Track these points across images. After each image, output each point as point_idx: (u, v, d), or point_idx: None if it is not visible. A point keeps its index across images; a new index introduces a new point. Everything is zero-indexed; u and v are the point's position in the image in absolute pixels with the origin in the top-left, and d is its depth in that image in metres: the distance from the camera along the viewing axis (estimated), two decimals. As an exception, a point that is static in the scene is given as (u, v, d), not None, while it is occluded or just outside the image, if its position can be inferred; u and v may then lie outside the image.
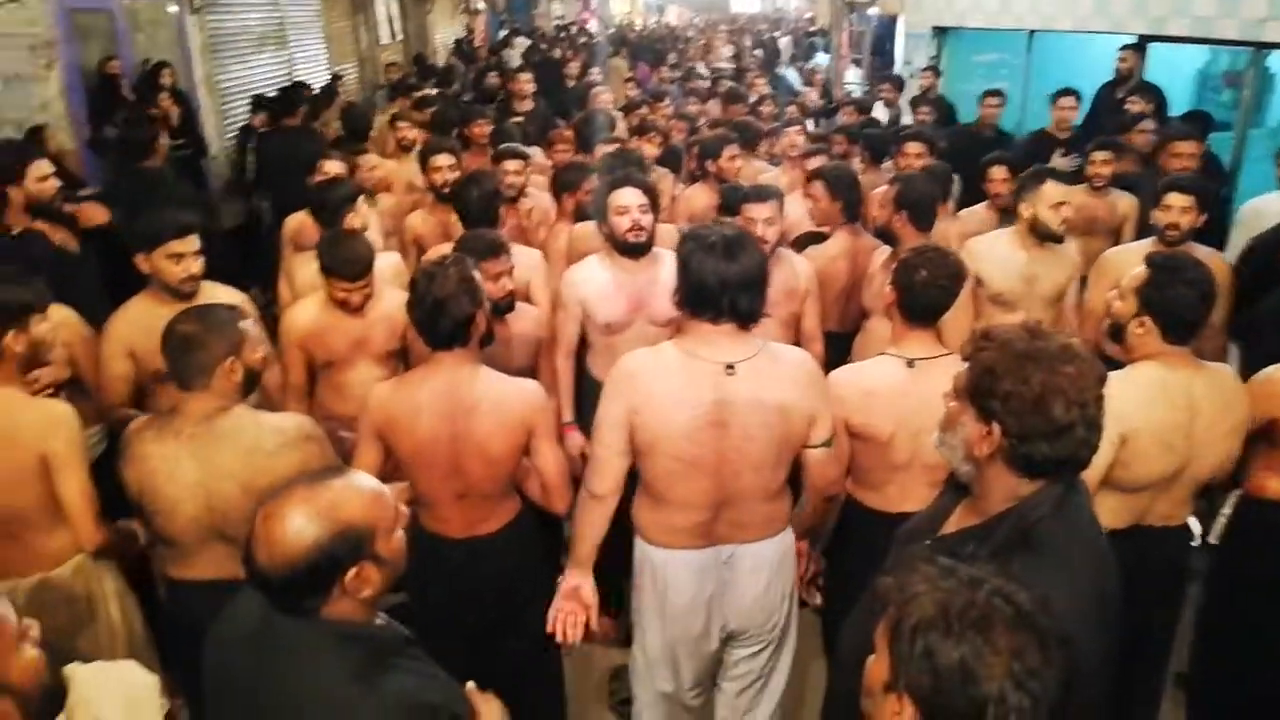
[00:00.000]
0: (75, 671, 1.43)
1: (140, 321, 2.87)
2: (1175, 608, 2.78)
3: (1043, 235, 3.63)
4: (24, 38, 6.54)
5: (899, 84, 8.49)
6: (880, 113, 7.83)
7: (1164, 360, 2.45)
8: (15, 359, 2.42)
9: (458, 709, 1.57)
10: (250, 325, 2.39)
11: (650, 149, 5.27)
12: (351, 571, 1.45)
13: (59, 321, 2.94)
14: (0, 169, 3.96)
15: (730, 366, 2.20)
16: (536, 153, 5.46)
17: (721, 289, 2.19)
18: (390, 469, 2.54)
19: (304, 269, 3.76)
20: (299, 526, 1.41)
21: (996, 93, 6.62)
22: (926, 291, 2.48)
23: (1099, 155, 4.60)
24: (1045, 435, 1.49)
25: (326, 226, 3.67)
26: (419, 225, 4.42)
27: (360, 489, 1.51)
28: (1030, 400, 1.48)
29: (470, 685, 1.69)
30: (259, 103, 7.80)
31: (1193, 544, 2.70)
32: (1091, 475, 2.38)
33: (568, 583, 2.43)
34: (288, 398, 3.26)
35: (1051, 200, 3.59)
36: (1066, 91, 6.03)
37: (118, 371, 2.97)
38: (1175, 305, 2.40)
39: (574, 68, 10.46)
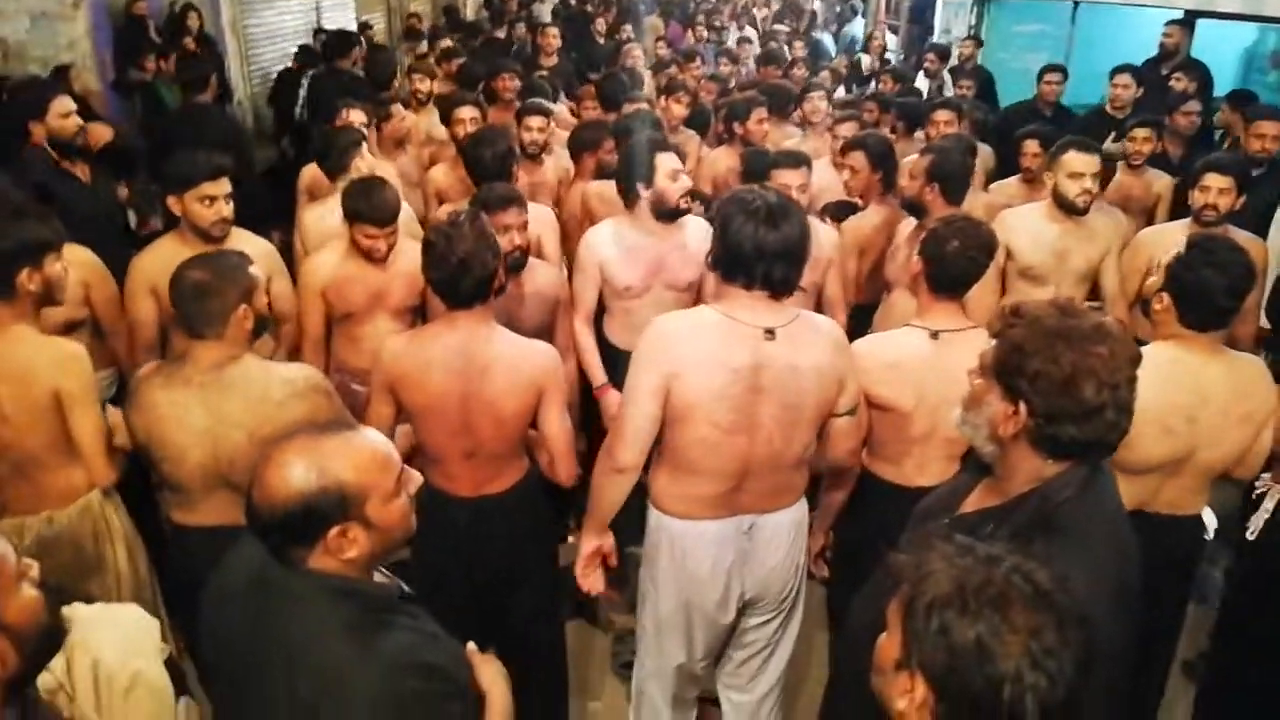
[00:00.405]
0: (76, 612, 1.42)
1: (166, 262, 2.80)
2: (1182, 596, 2.72)
3: (1064, 207, 3.55)
4: (52, -25, 6.50)
5: (944, 53, 8.12)
6: (921, 83, 7.58)
7: (1180, 342, 2.37)
8: (30, 297, 2.40)
9: (455, 669, 1.53)
10: (258, 271, 2.37)
11: (678, 109, 5.18)
12: (335, 530, 1.41)
13: (76, 261, 2.93)
14: (23, 104, 3.96)
15: (770, 331, 2.16)
16: (560, 108, 5.39)
17: (758, 256, 2.13)
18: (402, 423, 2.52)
19: (314, 218, 3.73)
20: (289, 473, 1.38)
21: (1056, 68, 6.38)
22: (957, 262, 2.42)
23: (1140, 132, 4.49)
24: (1074, 417, 1.44)
25: (332, 173, 3.63)
26: (441, 179, 4.36)
27: (362, 448, 1.45)
28: (1060, 381, 1.43)
29: (471, 646, 1.66)
30: (306, 47, 7.66)
31: (1206, 537, 2.61)
32: None
33: (587, 547, 2.41)
34: (306, 347, 3.25)
35: (1069, 169, 3.51)
36: (1123, 69, 5.74)
37: (142, 312, 2.97)
38: (1198, 288, 2.32)
39: (602, 24, 10.28)
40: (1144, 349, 2.38)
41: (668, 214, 3.17)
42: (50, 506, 2.40)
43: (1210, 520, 2.60)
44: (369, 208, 3.02)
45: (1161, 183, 4.47)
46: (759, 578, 2.40)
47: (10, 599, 1.31)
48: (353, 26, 10.28)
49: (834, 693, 1.90)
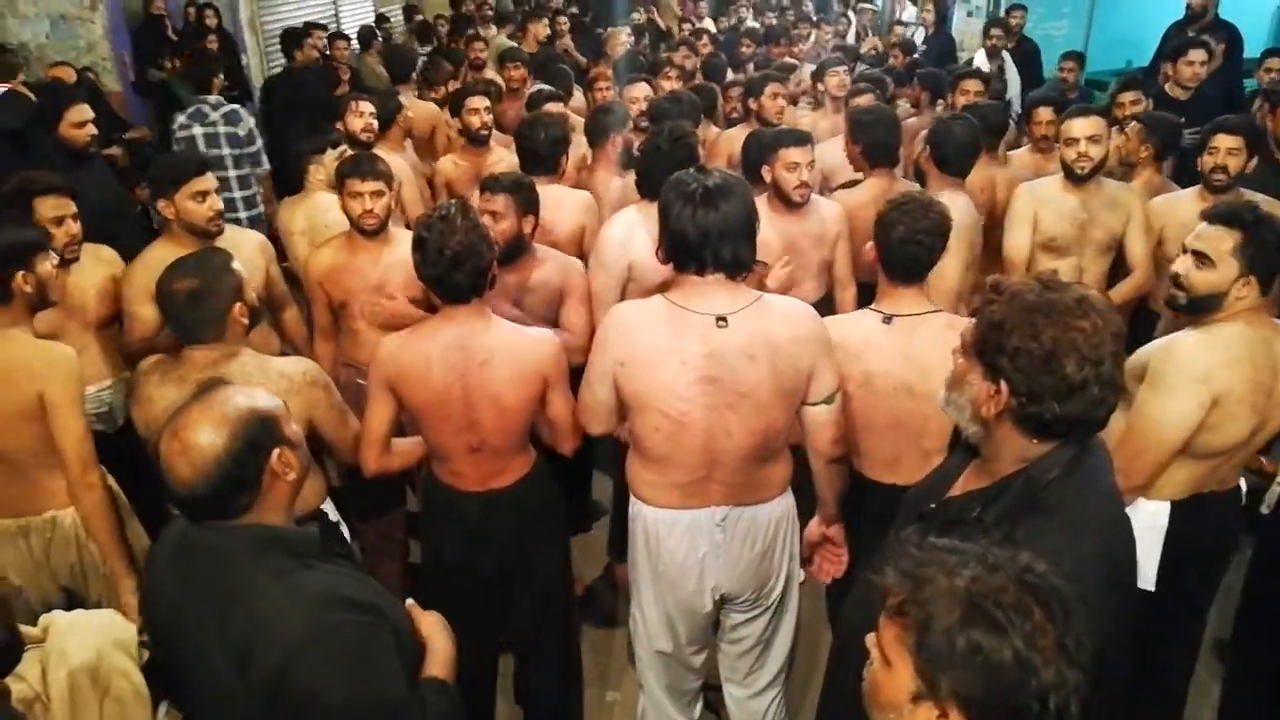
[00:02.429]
0: (53, 620, 1.43)
1: (162, 267, 2.86)
2: (1219, 572, 2.66)
3: (1068, 174, 3.50)
4: (69, -22, 6.58)
5: (1008, 28, 7.59)
6: (981, 61, 7.02)
7: (1249, 318, 2.29)
8: (24, 299, 2.43)
9: (384, 604, 1.57)
10: (241, 266, 2.39)
11: (670, 85, 5.16)
12: (274, 454, 1.51)
13: (105, 259, 3.04)
14: (43, 108, 4.01)
15: (722, 319, 2.11)
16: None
17: (703, 239, 2.09)
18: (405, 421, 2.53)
19: (290, 214, 3.87)
20: (211, 432, 1.45)
21: (1070, 55, 6.34)
22: (904, 248, 2.31)
23: (1126, 96, 4.41)
24: (1056, 394, 1.39)
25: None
26: (450, 170, 4.35)
27: (242, 390, 1.56)
28: (1040, 357, 1.38)
29: (410, 602, 1.71)
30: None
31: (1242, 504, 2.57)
32: (1179, 439, 2.27)
33: None
34: (315, 337, 3.31)
35: (1067, 134, 3.47)
36: (1195, 43, 5.29)
37: (143, 317, 3.00)
38: (1274, 260, 2.24)
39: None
40: (1213, 330, 2.30)
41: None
42: (53, 507, 2.43)
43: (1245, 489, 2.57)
44: (351, 165, 3.10)
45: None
46: (734, 572, 2.34)
47: None
48: (371, 20, 10.31)
49: (828, 697, 1.87)
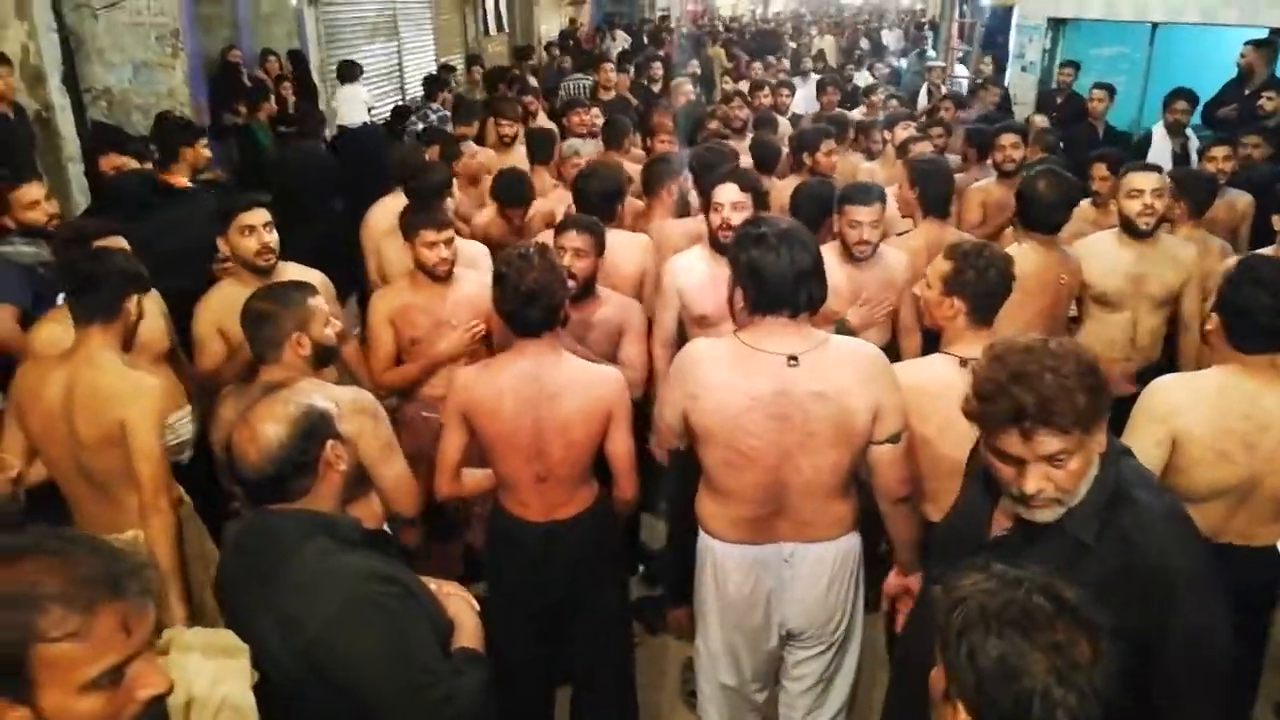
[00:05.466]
0: (175, 636, 1.49)
1: (226, 303, 2.99)
2: (1261, 631, 2.62)
3: (1128, 228, 3.50)
4: (152, 27, 6.90)
5: (1194, 100, 6.04)
6: (1160, 138, 5.97)
7: (1236, 367, 2.31)
8: (125, 324, 2.57)
9: (414, 584, 1.76)
10: (319, 302, 2.49)
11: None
12: (328, 445, 1.73)
13: (154, 299, 3.09)
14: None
15: (793, 358, 2.18)
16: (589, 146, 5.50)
17: (782, 282, 2.17)
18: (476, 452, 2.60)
19: (393, 249, 3.86)
20: (274, 423, 1.68)
21: (1100, 86, 6.32)
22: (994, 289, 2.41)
23: (1219, 151, 4.41)
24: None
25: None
26: (482, 220, 4.37)
27: (301, 391, 1.79)
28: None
29: (435, 585, 1.88)
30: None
31: None
32: None
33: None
34: (376, 370, 3.38)
35: (1128, 188, 3.48)
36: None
37: (211, 352, 3.14)
38: (1242, 308, 2.26)
39: (659, 69, 10.11)
40: (1195, 374, 2.39)
41: (718, 245, 3.18)
42: (135, 525, 2.51)
43: None
44: (422, 218, 3.19)
45: (1244, 201, 4.38)
46: (800, 609, 2.38)
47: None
48: (433, 68, 10.67)
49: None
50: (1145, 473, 1.72)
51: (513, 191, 4.16)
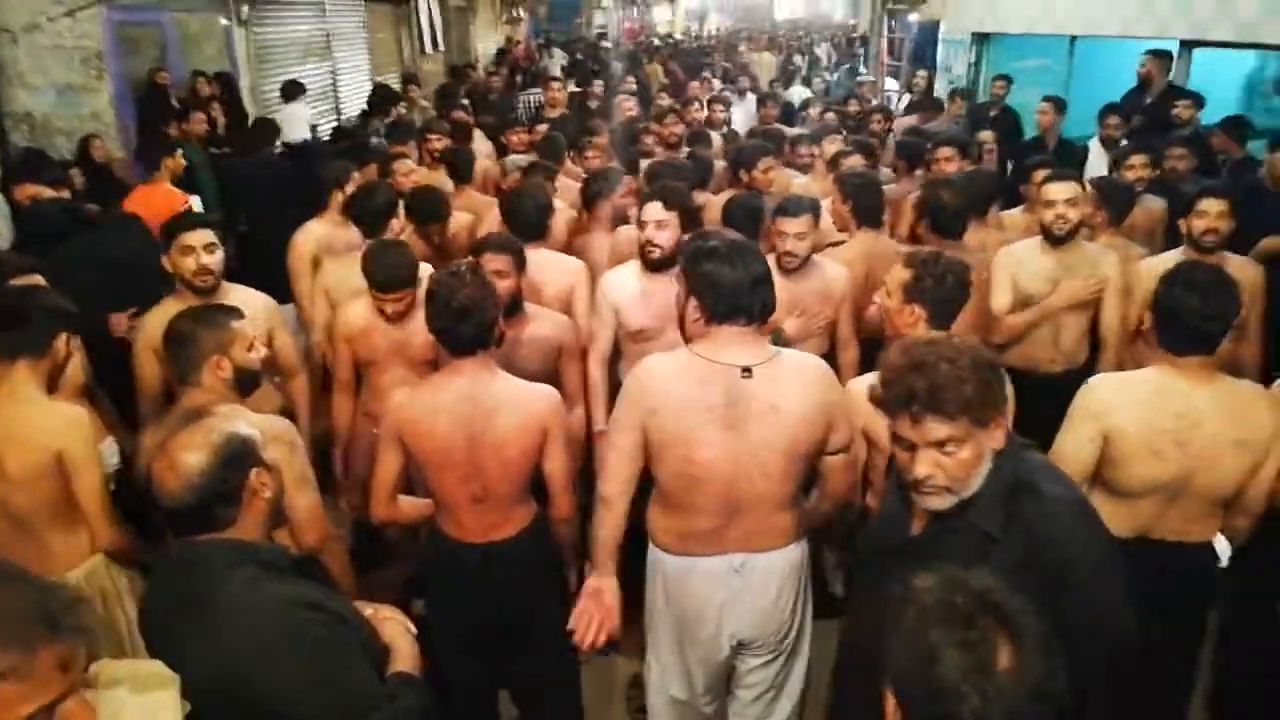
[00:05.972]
0: (102, 668, 1.45)
1: (165, 321, 2.93)
2: (1196, 627, 2.68)
3: (1046, 235, 3.62)
4: (75, 50, 6.76)
5: (1127, 116, 6.21)
6: (1097, 152, 6.00)
7: (1169, 367, 2.40)
8: (56, 362, 2.51)
9: (345, 610, 1.73)
10: (244, 326, 2.45)
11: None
12: (253, 473, 1.69)
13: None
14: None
15: (747, 370, 2.20)
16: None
17: (737, 292, 2.21)
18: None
19: (337, 278, 3.75)
20: (195, 450, 1.64)
21: (1048, 99, 6.42)
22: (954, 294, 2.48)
23: (1136, 159, 4.57)
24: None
25: (369, 234, 3.68)
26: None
27: (224, 417, 1.73)
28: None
29: (370, 609, 1.85)
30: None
31: (1219, 564, 2.56)
32: (1076, 470, 2.38)
33: (589, 584, 2.43)
34: (336, 391, 3.40)
35: (1044, 198, 3.61)
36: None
37: (147, 371, 3.07)
38: (1173, 310, 2.36)
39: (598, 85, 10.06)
40: (1133, 373, 2.46)
41: (647, 263, 3.23)
42: (58, 569, 2.44)
43: (1223, 548, 2.55)
44: (382, 278, 3.09)
45: (1159, 206, 4.54)
46: (750, 619, 2.39)
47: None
48: (368, 87, 10.58)
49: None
50: (1050, 466, 1.79)
51: (428, 208, 4.15)
